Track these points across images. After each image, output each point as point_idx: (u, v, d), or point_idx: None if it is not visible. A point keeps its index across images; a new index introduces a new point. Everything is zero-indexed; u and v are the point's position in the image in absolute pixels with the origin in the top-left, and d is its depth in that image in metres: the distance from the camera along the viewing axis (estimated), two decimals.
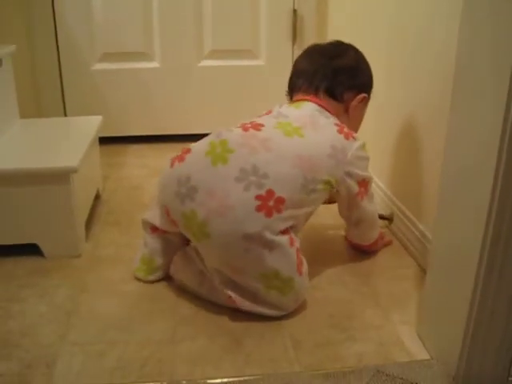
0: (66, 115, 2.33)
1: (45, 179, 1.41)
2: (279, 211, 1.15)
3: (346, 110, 1.40)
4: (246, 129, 1.25)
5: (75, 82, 2.31)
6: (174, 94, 2.35)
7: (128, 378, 1.05)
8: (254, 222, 1.13)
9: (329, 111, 1.35)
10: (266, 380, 1.04)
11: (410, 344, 1.15)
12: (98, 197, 1.81)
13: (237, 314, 1.22)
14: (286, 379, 1.04)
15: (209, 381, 1.04)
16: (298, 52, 2.29)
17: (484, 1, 0.89)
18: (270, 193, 1.15)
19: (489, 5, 0.87)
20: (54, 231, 1.45)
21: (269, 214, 1.14)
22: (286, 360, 1.10)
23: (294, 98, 1.41)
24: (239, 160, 1.17)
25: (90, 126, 1.76)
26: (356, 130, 1.42)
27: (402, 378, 1.04)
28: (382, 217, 1.62)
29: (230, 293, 1.20)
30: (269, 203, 1.14)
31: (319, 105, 1.35)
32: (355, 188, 1.29)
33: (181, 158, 1.23)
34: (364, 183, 1.32)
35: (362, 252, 1.49)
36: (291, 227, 1.20)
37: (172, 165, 1.24)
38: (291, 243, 1.18)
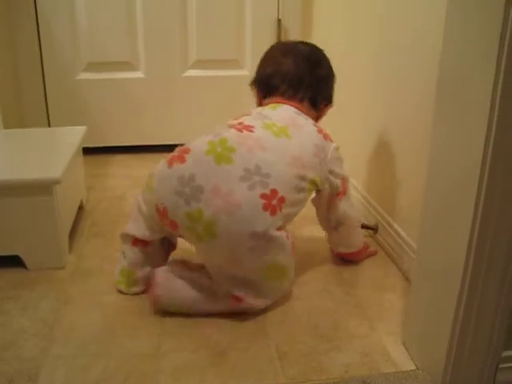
0: (49, 125, 2.31)
1: (28, 190, 1.39)
2: (281, 210, 1.18)
3: (317, 118, 1.45)
4: (239, 130, 1.25)
5: (59, 92, 2.29)
6: (159, 104, 2.35)
7: None
8: (261, 220, 1.15)
9: (307, 116, 1.37)
10: None
11: (395, 354, 1.14)
12: (81, 208, 1.80)
13: (221, 325, 1.22)
14: None
15: None
16: None
17: (468, 15, 0.89)
18: (274, 192, 1.17)
19: (475, 18, 0.88)
20: (36, 243, 1.44)
21: (273, 213, 1.16)
22: (271, 371, 1.09)
23: (271, 100, 1.40)
24: (243, 159, 1.18)
25: (73, 136, 1.75)
26: None
27: None
28: (366, 227, 1.63)
29: (236, 292, 1.21)
30: (273, 202, 1.16)
31: (297, 108, 1.36)
32: (339, 186, 1.33)
33: (181, 158, 1.20)
34: (343, 182, 1.35)
35: (346, 262, 1.49)
36: (285, 223, 1.24)
37: (171, 164, 1.20)
38: (287, 236, 1.22)
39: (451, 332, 0.98)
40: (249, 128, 1.26)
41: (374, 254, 1.54)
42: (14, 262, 1.44)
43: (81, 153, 1.81)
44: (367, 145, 1.71)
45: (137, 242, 1.33)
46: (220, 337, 1.19)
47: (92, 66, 2.28)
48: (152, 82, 2.32)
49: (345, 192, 1.36)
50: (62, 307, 1.30)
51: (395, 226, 1.51)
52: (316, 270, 1.46)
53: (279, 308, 1.29)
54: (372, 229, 1.62)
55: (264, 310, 1.27)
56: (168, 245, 1.40)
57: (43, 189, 1.40)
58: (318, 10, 2.19)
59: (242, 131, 1.24)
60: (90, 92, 2.31)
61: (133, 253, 1.34)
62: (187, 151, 1.22)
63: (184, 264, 1.30)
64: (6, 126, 1.86)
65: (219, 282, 1.24)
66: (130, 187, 2.00)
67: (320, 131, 1.32)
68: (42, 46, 2.22)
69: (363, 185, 1.76)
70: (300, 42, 1.47)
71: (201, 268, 1.27)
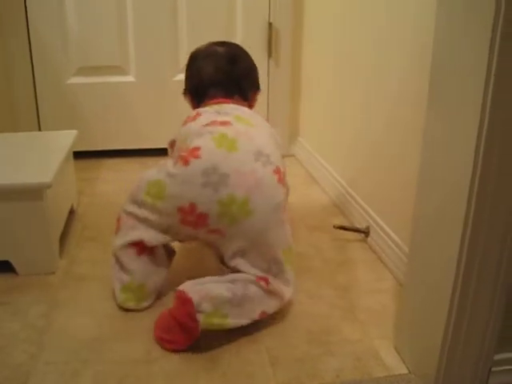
0: (40, 130, 2.30)
1: (18, 195, 1.39)
2: (285, 184, 1.30)
3: (250, 106, 1.54)
4: (223, 124, 1.29)
5: (50, 97, 2.28)
6: (150, 107, 2.34)
7: None
8: (279, 191, 1.25)
9: None
10: None
11: (387, 358, 1.14)
12: (72, 212, 1.79)
13: (212, 330, 1.21)
14: None
15: None
16: (273, 65, 2.32)
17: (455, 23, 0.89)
18: (278, 168, 1.27)
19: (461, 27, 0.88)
20: (27, 248, 1.43)
21: (284, 185, 1.28)
22: (263, 376, 1.09)
23: (207, 103, 1.46)
24: (247, 147, 1.25)
25: (64, 140, 1.74)
26: None
27: None
28: (357, 230, 1.63)
29: (260, 274, 1.23)
30: (281, 176, 1.27)
31: (232, 103, 1.44)
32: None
33: (195, 155, 1.22)
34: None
35: (338, 266, 1.49)
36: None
37: (186, 163, 1.22)
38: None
39: (443, 336, 0.98)
40: (227, 123, 1.30)
41: None
42: (4, 267, 1.43)
43: (71, 157, 1.80)
44: (359, 147, 1.71)
45: (142, 249, 1.28)
46: (211, 342, 1.18)
47: (83, 70, 2.27)
48: (143, 86, 2.32)
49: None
50: (53, 312, 1.29)
51: (387, 229, 1.51)
52: (309, 273, 1.46)
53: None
54: (363, 232, 1.62)
55: None
56: (169, 250, 1.36)
57: (34, 193, 1.39)
58: (308, 12, 2.20)
59: (226, 125, 1.29)
60: (80, 96, 2.30)
61: (140, 263, 1.28)
62: (198, 149, 1.23)
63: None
64: None
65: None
66: (122, 191, 1.98)
67: (265, 120, 1.45)
68: (33, 50, 2.21)
69: (355, 187, 1.75)
70: (216, 42, 1.56)
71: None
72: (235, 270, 1.23)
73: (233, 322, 1.17)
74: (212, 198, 1.19)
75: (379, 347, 1.18)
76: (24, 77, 2.24)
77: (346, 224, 1.69)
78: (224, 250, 1.25)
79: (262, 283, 1.20)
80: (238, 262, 1.23)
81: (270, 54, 2.33)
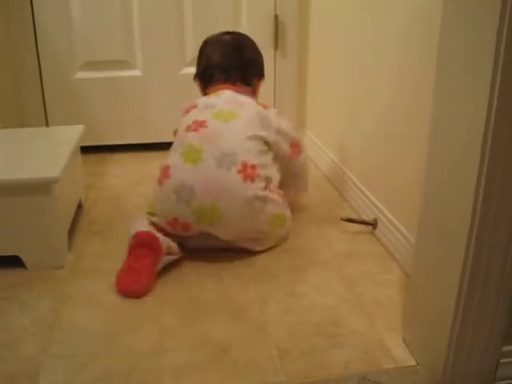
0: (47, 125, 2.31)
1: (26, 190, 1.39)
2: (258, 175, 1.43)
3: (254, 92, 1.69)
4: (196, 129, 1.46)
5: (57, 92, 2.29)
6: (156, 102, 2.34)
7: None
8: (246, 189, 1.40)
9: (243, 94, 1.60)
10: None
11: (395, 350, 1.14)
12: (80, 207, 1.80)
13: (221, 323, 1.22)
14: None
15: None
16: (280, 57, 2.32)
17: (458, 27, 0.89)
18: (244, 163, 1.41)
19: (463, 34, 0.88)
20: (36, 243, 1.44)
21: (253, 180, 1.41)
22: (271, 369, 1.09)
23: (212, 88, 1.63)
24: (211, 153, 1.41)
25: (71, 135, 1.74)
26: None
27: None
28: (365, 222, 1.62)
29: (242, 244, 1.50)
30: (248, 171, 1.41)
31: (234, 89, 1.59)
32: (287, 149, 1.58)
33: (166, 175, 1.43)
34: (294, 144, 1.60)
35: (346, 258, 1.49)
36: (268, 184, 1.48)
37: (161, 184, 1.44)
38: (272, 192, 1.48)
39: (451, 327, 0.98)
40: (203, 124, 1.47)
41: None
42: (13, 262, 1.44)
43: (79, 152, 1.81)
44: (363, 138, 1.71)
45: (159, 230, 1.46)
46: (220, 334, 1.19)
47: (89, 65, 2.27)
48: (149, 80, 2.32)
49: (300, 151, 1.62)
50: (62, 306, 1.29)
51: (395, 221, 1.50)
52: (317, 266, 1.46)
53: (279, 305, 1.29)
54: (371, 224, 1.62)
55: (264, 307, 1.28)
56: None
57: (42, 188, 1.40)
58: (315, 5, 2.19)
59: (198, 130, 1.46)
60: (87, 91, 2.30)
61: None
62: (168, 168, 1.44)
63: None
64: (4, 126, 1.86)
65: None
66: (129, 186, 2.00)
67: (258, 104, 1.58)
68: (39, 45, 2.22)
69: (362, 180, 1.75)
70: (225, 32, 1.71)
71: None
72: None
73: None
74: (186, 210, 1.40)
75: (387, 339, 1.18)
76: (31, 73, 2.24)
77: (353, 216, 1.70)
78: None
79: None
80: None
81: (276, 47, 2.33)
